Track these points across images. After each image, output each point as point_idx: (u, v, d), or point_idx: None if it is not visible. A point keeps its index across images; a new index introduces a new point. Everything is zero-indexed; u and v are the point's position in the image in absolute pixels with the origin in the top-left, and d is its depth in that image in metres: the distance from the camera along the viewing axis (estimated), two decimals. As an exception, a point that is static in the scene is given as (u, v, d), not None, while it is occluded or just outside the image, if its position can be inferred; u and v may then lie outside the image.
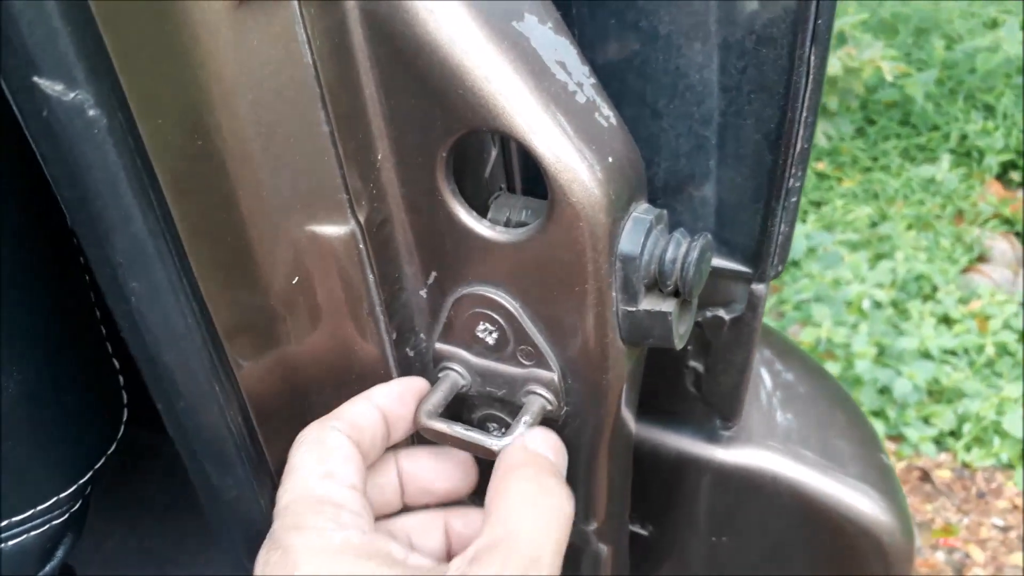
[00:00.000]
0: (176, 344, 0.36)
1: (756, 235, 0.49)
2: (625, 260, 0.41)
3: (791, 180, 0.46)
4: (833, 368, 2.42)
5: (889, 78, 3.15)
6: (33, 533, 0.48)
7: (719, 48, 0.45)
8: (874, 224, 3.04)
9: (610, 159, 0.40)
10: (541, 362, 0.45)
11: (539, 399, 0.45)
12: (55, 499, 0.48)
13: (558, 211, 0.39)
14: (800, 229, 2.93)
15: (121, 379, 0.52)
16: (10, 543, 0.48)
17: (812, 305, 2.60)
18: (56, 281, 0.46)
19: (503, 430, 0.47)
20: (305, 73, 0.37)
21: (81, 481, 0.49)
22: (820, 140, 3.29)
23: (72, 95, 0.30)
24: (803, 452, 0.63)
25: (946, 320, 2.64)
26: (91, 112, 0.30)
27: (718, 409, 0.59)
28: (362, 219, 0.42)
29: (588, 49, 0.47)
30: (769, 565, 0.67)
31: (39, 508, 0.48)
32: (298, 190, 0.39)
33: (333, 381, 0.45)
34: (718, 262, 0.51)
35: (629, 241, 0.41)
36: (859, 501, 0.61)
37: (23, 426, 0.44)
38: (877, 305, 2.63)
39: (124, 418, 0.52)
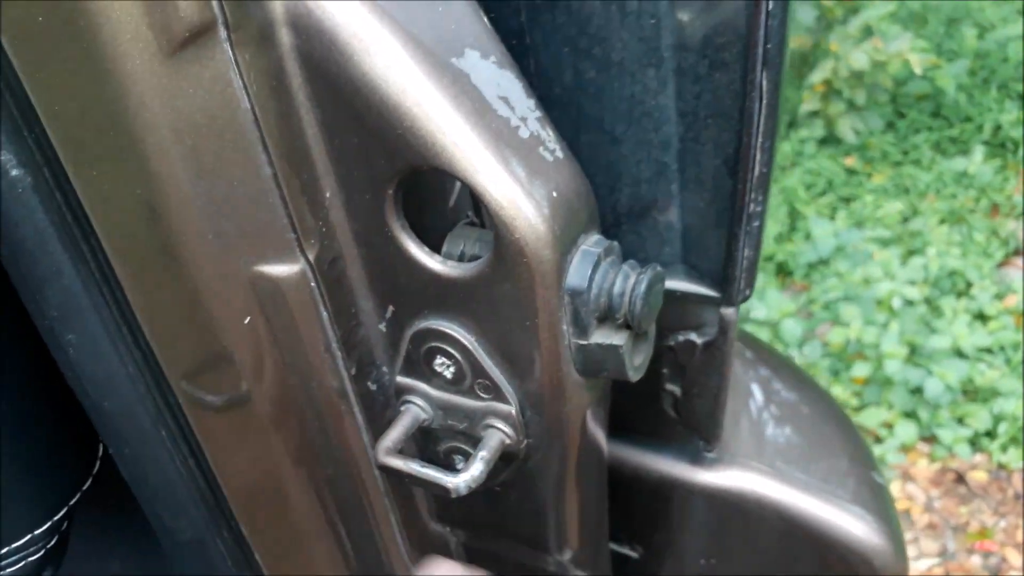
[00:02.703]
0: (117, 392, 0.36)
1: (722, 260, 0.48)
2: (573, 294, 0.40)
3: (752, 204, 0.45)
4: (862, 369, 2.38)
5: (918, 70, 3.08)
6: (8, 571, 0.49)
7: (674, 74, 0.44)
8: (905, 220, 2.98)
9: (555, 193, 0.39)
10: (499, 396, 0.44)
11: (497, 433, 0.45)
12: (30, 536, 0.49)
13: (503, 247, 0.39)
14: (828, 227, 2.88)
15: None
16: (-12, 579, 0.49)
17: (841, 305, 2.56)
18: (28, 330, 0.47)
19: (464, 464, 0.47)
20: (243, 117, 0.37)
21: (56, 518, 0.50)
22: (848, 135, 3.23)
23: None
24: (791, 472, 0.62)
25: (981, 317, 2.58)
26: (14, 172, 0.31)
27: (698, 431, 0.58)
28: (312, 257, 0.42)
29: (544, 78, 0.46)
30: (761, 586, 0.66)
31: (14, 545, 0.48)
32: (244, 231, 0.40)
33: (294, 418, 0.45)
34: (686, 287, 0.50)
35: (577, 275, 0.40)
36: (848, 522, 0.60)
37: (6, 458, 0.45)
38: (908, 303, 2.58)
39: (100, 453, 0.52)
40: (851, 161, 3.25)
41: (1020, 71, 3.37)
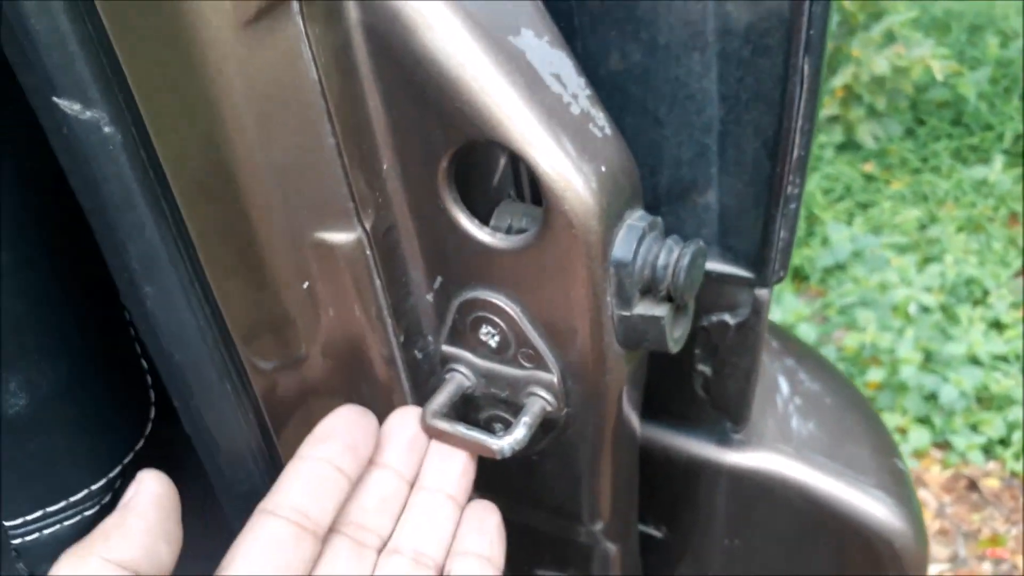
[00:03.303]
0: (188, 344, 0.38)
1: (758, 241, 0.50)
2: (619, 266, 0.42)
3: (790, 187, 0.47)
4: (877, 374, 2.38)
5: (940, 77, 3.09)
6: (66, 524, 0.51)
7: (717, 58, 0.46)
8: (923, 227, 2.99)
9: (603, 168, 0.41)
10: (541, 364, 0.46)
11: (539, 400, 0.47)
12: (87, 491, 0.51)
13: (553, 219, 0.41)
14: (846, 232, 2.88)
15: (149, 378, 0.55)
16: (45, 532, 0.51)
17: (857, 309, 2.56)
18: (86, 285, 0.49)
19: (506, 431, 0.48)
20: (311, 88, 0.39)
21: (112, 474, 0.52)
22: (868, 141, 3.23)
23: (88, 114, 0.32)
24: (815, 456, 0.63)
25: (997, 325, 2.58)
26: (106, 129, 0.33)
27: (727, 412, 0.60)
28: (368, 226, 0.43)
29: (590, 60, 0.48)
30: (783, 567, 0.67)
31: (72, 499, 0.51)
32: (306, 198, 0.41)
33: (344, 382, 0.47)
34: (722, 267, 0.52)
35: (622, 248, 0.42)
36: (871, 506, 0.61)
37: (57, 421, 0.47)
38: (925, 309, 2.58)
39: (152, 415, 0.54)
40: (870, 167, 3.25)
41: (1042, 81, 3.37)
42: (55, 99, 0.32)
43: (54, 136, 0.33)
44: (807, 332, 2.52)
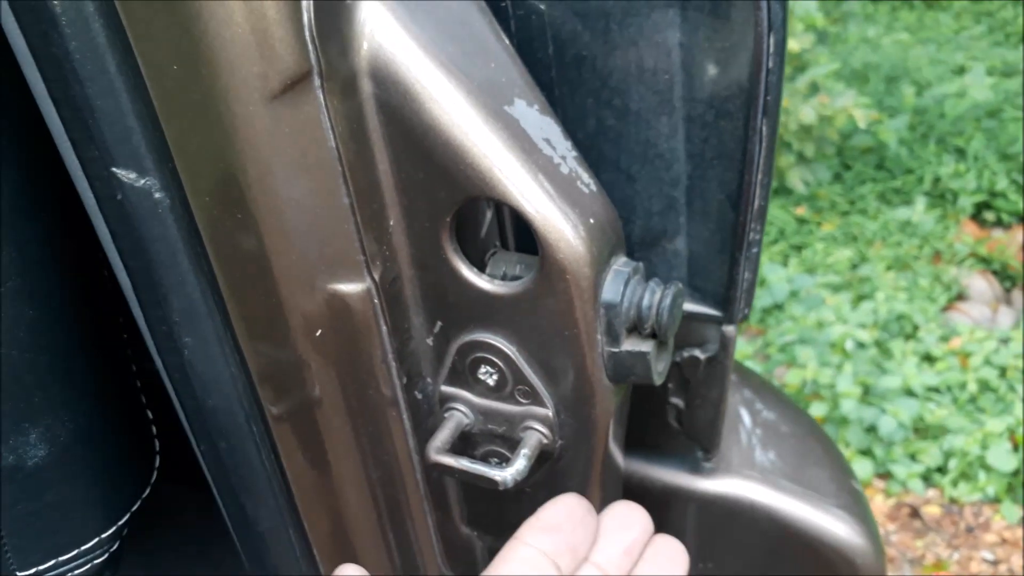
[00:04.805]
0: (221, 390, 0.41)
1: (724, 282, 0.55)
2: (608, 307, 0.47)
3: (751, 233, 0.52)
4: (819, 409, 2.47)
5: (862, 125, 3.27)
6: (77, 572, 0.53)
7: (684, 121, 0.52)
8: (854, 266, 3.13)
9: (591, 220, 0.46)
10: (537, 400, 0.50)
11: (536, 434, 0.51)
12: (97, 539, 0.53)
13: (548, 266, 0.45)
14: (782, 273, 3.00)
15: (154, 428, 0.57)
16: (57, 581, 0.52)
17: (796, 347, 2.66)
18: (102, 343, 0.51)
19: (504, 464, 0.52)
20: (329, 154, 0.43)
21: (120, 522, 0.54)
22: (798, 186, 3.39)
23: (143, 181, 0.36)
24: (780, 480, 0.68)
25: (928, 358, 2.70)
26: (156, 195, 0.36)
27: (698, 441, 0.64)
28: (377, 277, 0.47)
29: (570, 125, 0.53)
30: (753, 589, 0.72)
31: (83, 548, 0.52)
32: (322, 254, 0.45)
33: (351, 423, 0.51)
34: (692, 307, 0.57)
35: (610, 290, 0.47)
36: (833, 525, 0.67)
37: (74, 470, 0.50)
38: (860, 345, 2.70)
39: (157, 464, 0.57)
40: (802, 211, 3.40)
41: (956, 127, 3.58)
42: (113, 169, 0.35)
43: (107, 203, 0.36)
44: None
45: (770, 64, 0.47)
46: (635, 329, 0.48)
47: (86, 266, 0.48)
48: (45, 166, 0.42)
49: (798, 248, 3.25)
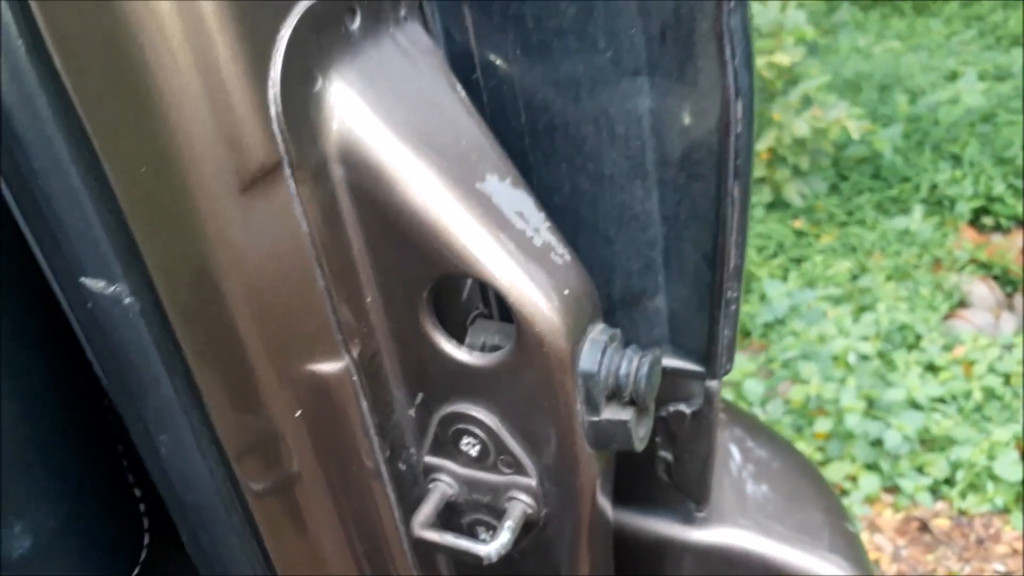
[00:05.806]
0: (200, 486, 0.41)
1: (705, 339, 0.55)
2: (586, 377, 0.47)
3: (729, 292, 0.52)
4: (824, 424, 2.46)
5: (856, 136, 3.27)
6: None
7: (657, 184, 0.52)
8: (854, 277, 3.12)
9: (566, 291, 0.46)
10: (520, 470, 0.50)
11: (520, 504, 0.51)
12: (88, 621, 0.53)
13: (524, 339, 0.46)
14: (782, 288, 3.00)
15: (142, 507, 0.57)
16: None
17: (799, 363, 2.66)
18: (87, 429, 0.52)
19: (491, 533, 0.52)
20: (302, 240, 0.44)
21: (111, 603, 0.54)
22: (795, 199, 3.39)
23: (112, 289, 0.36)
24: (773, 526, 0.68)
25: (932, 368, 2.69)
26: (127, 300, 0.36)
27: (689, 494, 0.64)
28: (355, 355, 0.48)
29: (545, 191, 0.54)
30: (752, 635, 0.71)
31: None
32: (300, 336, 0.45)
33: (336, 499, 0.51)
34: (675, 363, 0.57)
35: (588, 360, 0.47)
36: (827, 570, 0.66)
37: (59, 559, 0.50)
38: (863, 358, 2.69)
39: (146, 542, 0.57)
40: (799, 223, 3.40)
41: (951, 133, 3.59)
42: (82, 280, 0.35)
43: (78, 311, 0.37)
44: (754, 387, 2.60)
45: (739, 128, 0.47)
46: (614, 397, 0.48)
47: (68, 352, 0.49)
48: (19, 267, 0.42)
49: (797, 261, 3.25)
